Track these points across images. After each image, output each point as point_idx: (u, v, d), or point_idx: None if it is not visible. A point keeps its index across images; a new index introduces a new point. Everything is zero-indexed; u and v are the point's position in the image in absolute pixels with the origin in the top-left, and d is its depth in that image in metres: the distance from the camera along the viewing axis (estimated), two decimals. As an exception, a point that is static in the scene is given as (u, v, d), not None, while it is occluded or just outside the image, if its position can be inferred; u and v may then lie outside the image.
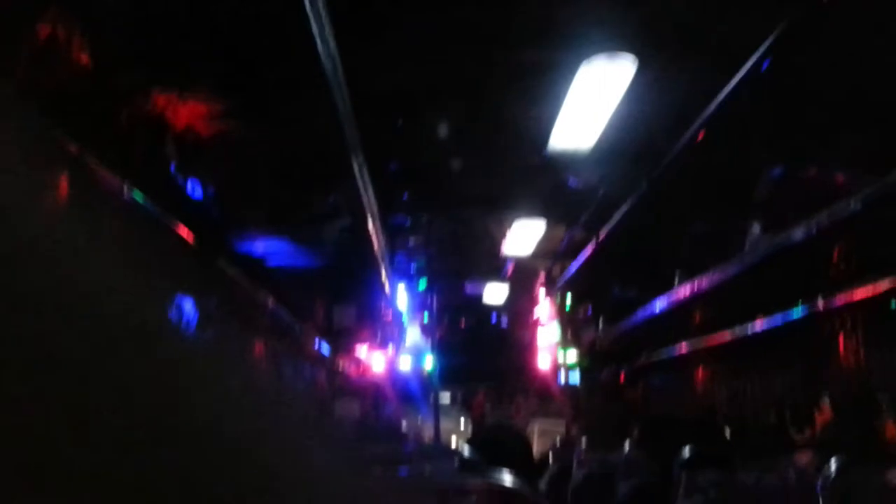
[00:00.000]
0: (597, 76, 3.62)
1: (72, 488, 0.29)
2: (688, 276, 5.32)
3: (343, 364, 8.71)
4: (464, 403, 11.04)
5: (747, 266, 4.37)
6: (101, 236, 0.35)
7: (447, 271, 9.19)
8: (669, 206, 5.09)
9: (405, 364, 10.23)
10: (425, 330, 10.40)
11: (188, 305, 3.98)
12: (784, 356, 4.76)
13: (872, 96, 3.24)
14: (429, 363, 10.03)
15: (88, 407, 0.30)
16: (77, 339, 0.31)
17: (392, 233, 6.92)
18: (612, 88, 3.71)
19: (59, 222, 0.34)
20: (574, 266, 7.72)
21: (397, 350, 10.06)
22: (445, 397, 10.69)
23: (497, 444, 3.73)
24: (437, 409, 9.61)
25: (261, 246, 5.50)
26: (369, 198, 4.99)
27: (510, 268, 9.03)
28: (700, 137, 4.01)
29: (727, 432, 4.98)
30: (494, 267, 9.02)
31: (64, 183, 2.53)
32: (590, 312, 8.90)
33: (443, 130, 4.67)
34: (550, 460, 5.44)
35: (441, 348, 10.12)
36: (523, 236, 6.98)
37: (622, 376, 8.02)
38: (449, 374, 10.11)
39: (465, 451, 3.04)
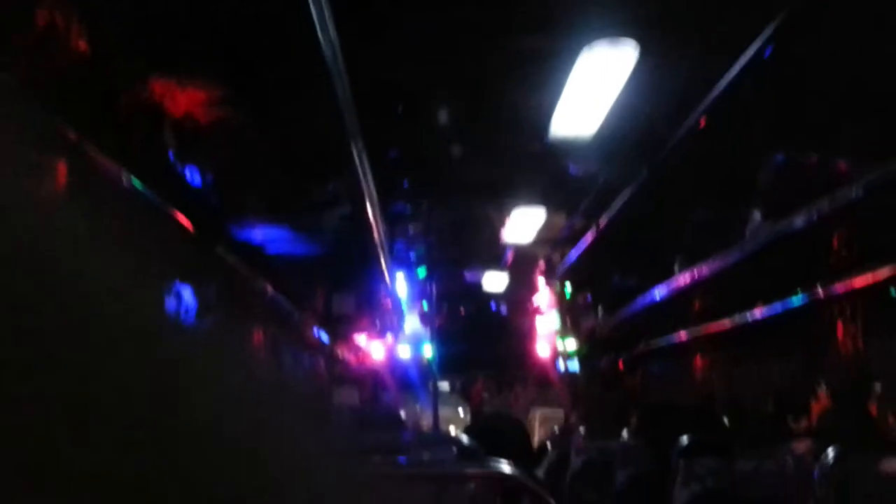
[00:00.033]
0: (598, 62, 3.60)
1: (65, 472, 0.29)
2: (688, 263, 5.32)
3: (342, 352, 8.72)
4: (462, 392, 11.06)
5: (747, 254, 4.37)
6: (100, 224, 0.35)
7: (447, 259, 9.19)
8: (670, 194, 5.09)
9: (404, 352, 10.25)
10: (424, 318, 10.41)
11: (187, 293, 3.98)
12: (783, 344, 4.76)
13: (875, 83, 3.23)
14: (428, 351, 10.05)
15: (85, 397, 0.30)
16: (73, 328, 0.31)
17: (392, 220, 6.91)
18: (613, 75, 3.69)
19: (57, 210, 0.34)
20: (574, 254, 7.72)
21: (396, 338, 10.08)
22: (444, 386, 10.71)
23: (495, 432, 3.74)
24: (435, 397, 9.63)
25: (260, 233, 5.49)
26: (369, 185, 4.99)
27: (510, 256, 9.04)
28: (702, 125, 4.00)
29: (725, 420, 4.99)
30: (494, 255, 9.02)
31: (62, 170, 2.53)
32: (589, 300, 8.91)
33: (443, 117, 4.66)
34: (549, 448, 5.46)
35: (440, 336, 10.13)
36: (523, 224, 6.98)
37: (621, 364, 8.03)
38: (448, 362, 10.12)
39: (464, 439, 3.05)
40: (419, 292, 10.29)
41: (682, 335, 6.07)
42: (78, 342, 0.31)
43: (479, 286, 10.03)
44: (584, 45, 3.52)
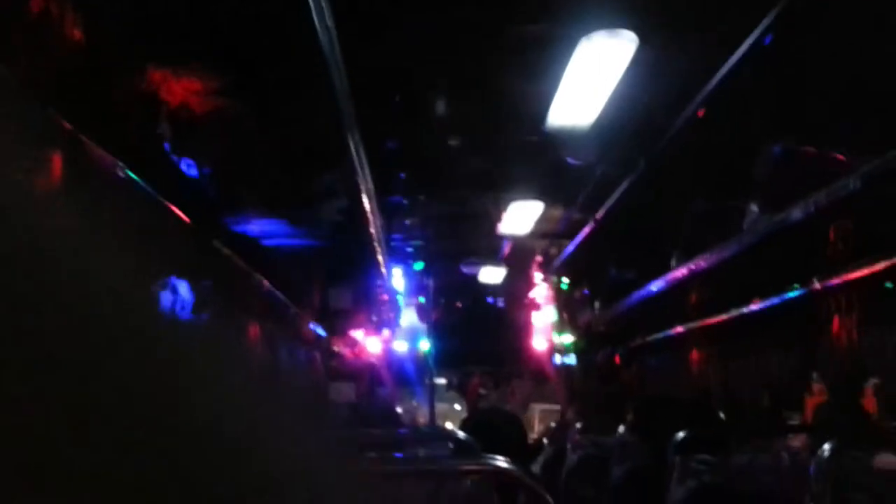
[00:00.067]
0: (596, 53, 3.58)
1: (61, 468, 0.29)
2: (685, 256, 5.32)
3: (339, 347, 8.71)
4: (459, 388, 11.08)
5: (745, 246, 4.36)
6: (96, 216, 0.34)
7: (444, 253, 9.19)
8: (667, 186, 5.09)
9: (401, 347, 10.25)
10: (421, 312, 10.41)
11: (183, 286, 3.97)
12: (780, 338, 4.76)
13: (875, 74, 3.22)
14: (424, 346, 10.06)
15: (80, 392, 0.30)
16: (69, 322, 0.31)
17: (388, 214, 6.90)
18: (611, 65, 3.68)
19: (53, 202, 0.34)
20: (571, 247, 7.73)
21: (393, 332, 10.07)
22: (441, 381, 10.72)
23: (491, 427, 3.74)
24: (432, 392, 9.64)
25: (256, 226, 5.48)
26: (366, 178, 4.97)
27: (507, 249, 9.03)
28: (700, 115, 4.00)
29: (721, 414, 5.00)
30: (491, 248, 9.02)
31: (58, 162, 2.51)
32: (586, 294, 8.92)
33: (440, 109, 4.65)
34: (545, 443, 5.46)
35: (437, 331, 10.13)
36: (521, 217, 6.97)
37: (617, 358, 8.04)
38: (445, 356, 10.13)
39: (460, 435, 3.05)
40: (416, 286, 10.29)
41: (679, 329, 6.07)
42: (73, 336, 0.30)
43: (476, 280, 10.03)
44: (582, 35, 3.50)
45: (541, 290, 10.36)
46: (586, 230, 6.79)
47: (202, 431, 0.32)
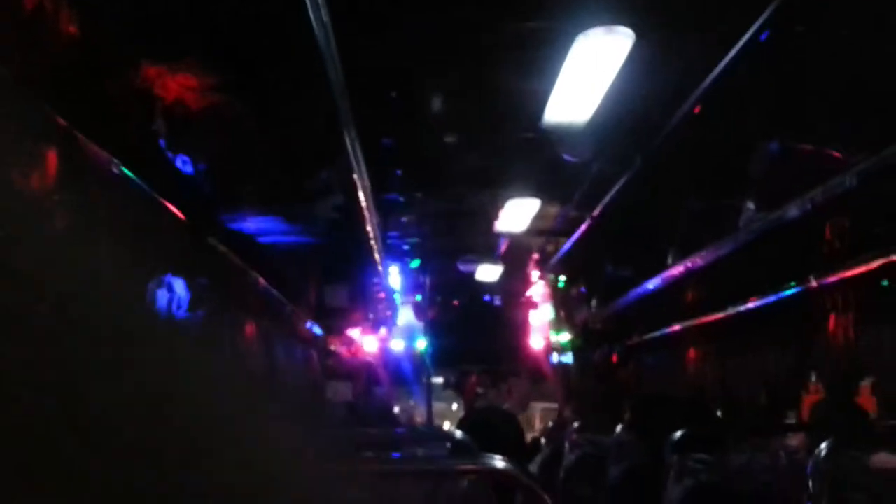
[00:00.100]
0: (593, 49, 3.57)
1: (57, 464, 0.28)
2: (681, 254, 5.32)
3: (335, 345, 8.69)
4: (456, 387, 11.06)
5: (741, 244, 4.36)
6: (91, 213, 0.33)
7: (440, 250, 9.18)
8: (664, 183, 5.08)
9: (398, 345, 10.24)
10: (418, 310, 10.40)
11: (178, 284, 3.95)
12: (777, 336, 4.76)
13: (872, 71, 3.22)
14: (421, 344, 10.04)
15: (76, 387, 0.30)
16: (64, 319, 0.30)
17: (385, 211, 6.89)
18: (607, 62, 3.67)
19: (48, 199, 0.33)
20: (567, 244, 7.72)
21: (390, 331, 10.06)
22: (438, 380, 10.72)
23: (488, 427, 3.74)
24: (429, 391, 9.63)
25: (252, 223, 5.46)
26: (362, 175, 4.96)
27: (504, 247, 9.03)
28: (696, 113, 3.99)
29: (718, 413, 5.00)
30: (488, 246, 9.01)
31: (53, 159, 2.50)
32: (583, 292, 8.92)
33: (436, 105, 4.64)
34: (543, 442, 5.46)
35: (434, 329, 10.13)
36: (517, 214, 6.97)
37: (615, 357, 8.04)
38: (441, 355, 10.12)
39: (457, 434, 3.04)
40: (413, 284, 10.28)
41: (676, 327, 6.07)
42: (68, 333, 0.30)
43: (473, 278, 10.03)
44: (578, 31, 3.49)
45: (538, 287, 10.36)
46: (583, 227, 6.79)
47: (198, 429, 0.31)
